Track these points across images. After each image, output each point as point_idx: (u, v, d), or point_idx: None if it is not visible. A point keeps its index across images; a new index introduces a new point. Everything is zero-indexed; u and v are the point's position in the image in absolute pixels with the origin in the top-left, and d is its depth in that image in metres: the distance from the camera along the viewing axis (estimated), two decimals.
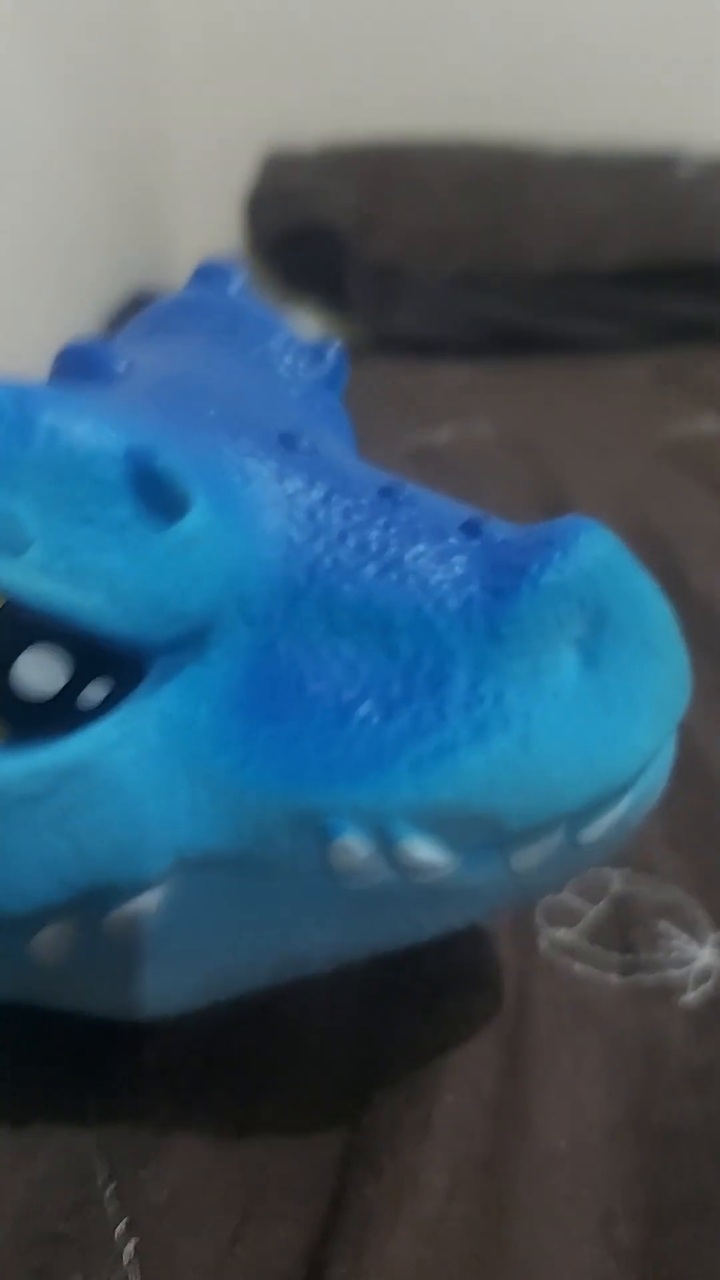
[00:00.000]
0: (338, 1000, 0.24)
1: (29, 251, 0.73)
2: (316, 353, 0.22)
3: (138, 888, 0.18)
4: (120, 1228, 0.19)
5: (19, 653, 0.17)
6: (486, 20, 1.03)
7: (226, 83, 1.06)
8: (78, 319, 0.79)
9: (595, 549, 0.17)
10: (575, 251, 0.91)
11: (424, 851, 0.17)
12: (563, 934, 0.26)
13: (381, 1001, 0.24)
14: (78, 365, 0.20)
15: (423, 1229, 0.18)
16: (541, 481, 0.59)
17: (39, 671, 0.17)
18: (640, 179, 0.95)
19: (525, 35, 1.03)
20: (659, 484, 0.59)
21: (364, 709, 0.17)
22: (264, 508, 0.18)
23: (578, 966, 0.25)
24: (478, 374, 0.83)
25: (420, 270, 0.91)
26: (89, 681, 0.17)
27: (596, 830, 0.18)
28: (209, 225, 1.04)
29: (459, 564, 0.18)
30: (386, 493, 0.19)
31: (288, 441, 0.19)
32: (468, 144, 0.98)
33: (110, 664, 0.17)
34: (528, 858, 0.17)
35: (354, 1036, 0.23)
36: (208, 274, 0.24)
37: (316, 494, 0.19)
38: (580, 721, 0.17)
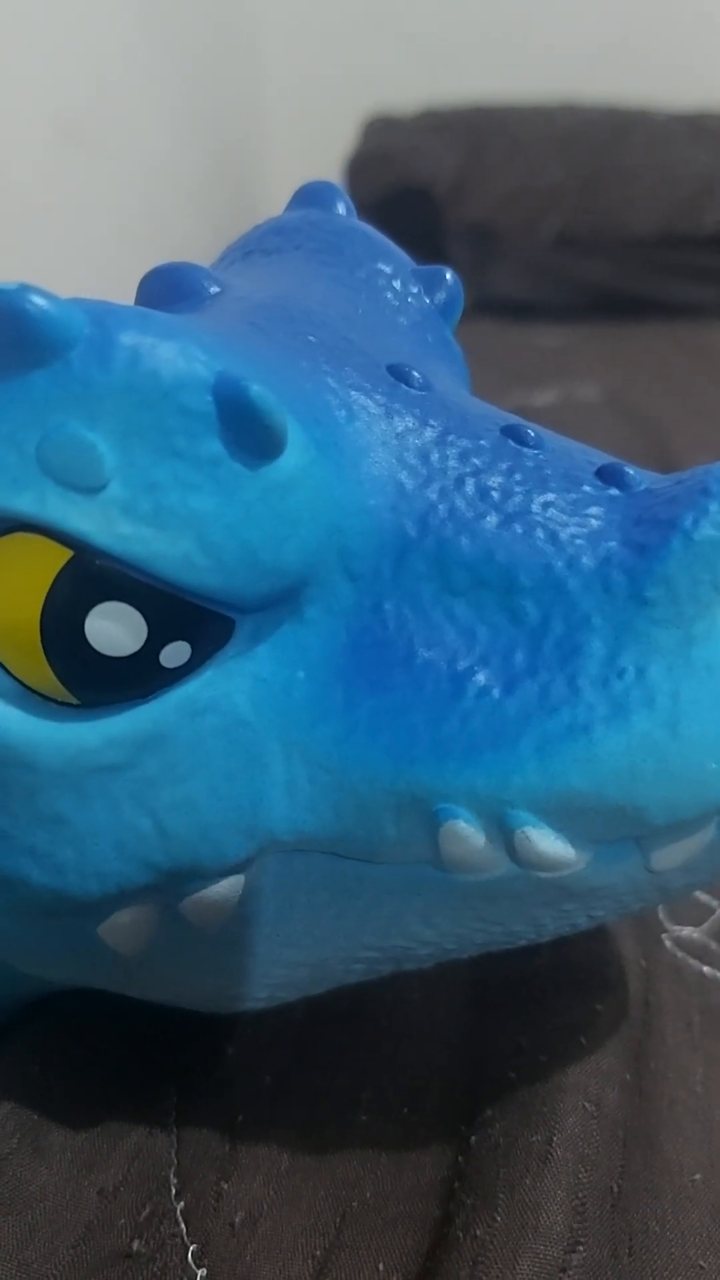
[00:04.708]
0: (438, 999, 0.22)
1: (133, 221, 0.72)
2: (430, 278, 0.20)
3: (223, 870, 0.16)
4: (191, 1253, 0.17)
5: (89, 608, 0.14)
6: None
7: (326, 47, 1.04)
8: None
9: None
10: (675, 215, 0.87)
11: (548, 844, 0.15)
12: (688, 933, 0.23)
13: (487, 1002, 0.21)
14: (165, 288, 0.18)
15: (543, 1278, 0.16)
16: (651, 446, 0.57)
17: (116, 626, 0.14)
18: None
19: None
20: None
21: (482, 680, 0.15)
22: (370, 448, 0.16)
23: (706, 970, 0.22)
24: (578, 337, 0.80)
25: (517, 232, 0.89)
26: (162, 644, 0.15)
27: None
28: None
29: (595, 515, 0.15)
30: (510, 433, 0.17)
31: (398, 374, 0.17)
32: (566, 105, 0.95)
33: (184, 625, 0.15)
34: (671, 856, 0.15)
35: (458, 1040, 0.21)
36: (309, 196, 0.21)
37: (430, 433, 0.16)
38: None
